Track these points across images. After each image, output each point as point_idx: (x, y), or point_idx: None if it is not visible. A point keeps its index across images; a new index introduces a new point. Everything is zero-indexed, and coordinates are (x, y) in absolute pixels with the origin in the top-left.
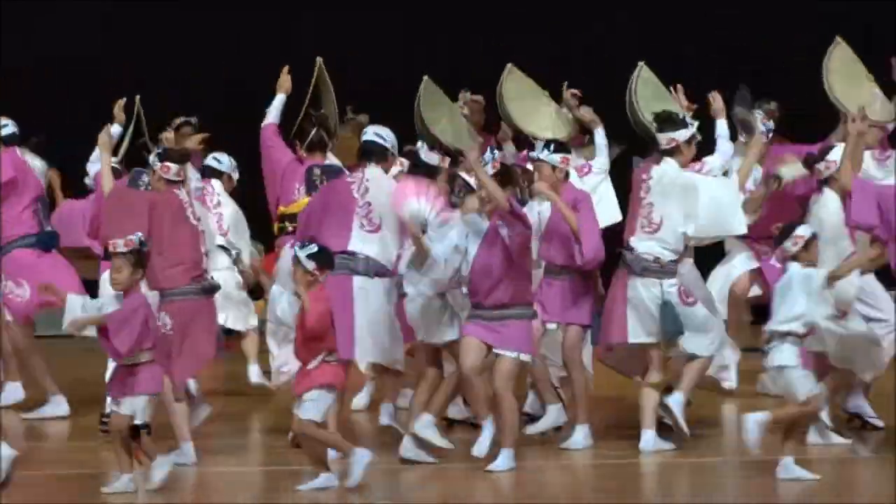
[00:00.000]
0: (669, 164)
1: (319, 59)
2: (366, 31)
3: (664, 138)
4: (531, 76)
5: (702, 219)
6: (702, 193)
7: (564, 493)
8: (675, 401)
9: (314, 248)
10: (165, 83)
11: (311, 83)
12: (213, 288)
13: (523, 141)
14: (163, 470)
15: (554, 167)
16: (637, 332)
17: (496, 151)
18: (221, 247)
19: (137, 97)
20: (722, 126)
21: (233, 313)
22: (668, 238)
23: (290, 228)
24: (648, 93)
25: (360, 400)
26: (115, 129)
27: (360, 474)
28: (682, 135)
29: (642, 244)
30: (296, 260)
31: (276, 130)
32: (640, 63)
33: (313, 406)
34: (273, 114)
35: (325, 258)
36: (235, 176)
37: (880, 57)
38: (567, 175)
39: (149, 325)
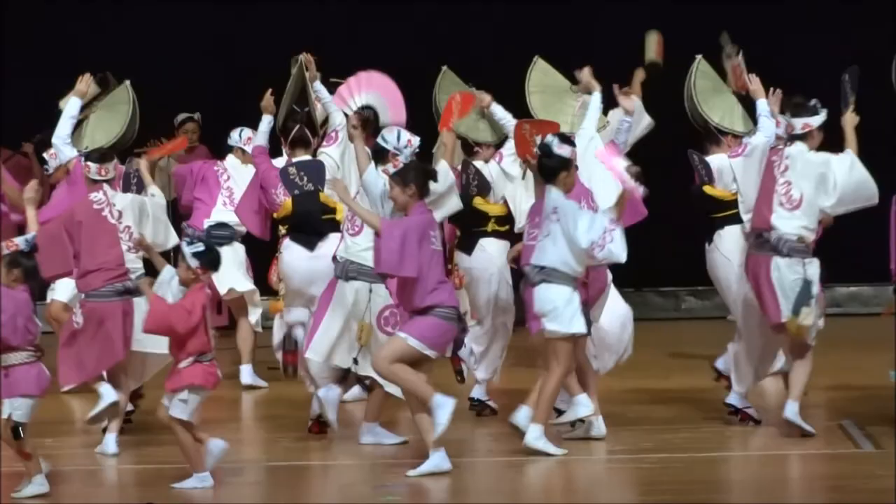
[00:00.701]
0: (800, 146)
1: (301, 57)
2: (369, 25)
3: (799, 123)
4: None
5: (839, 192)
6: (836, 168)
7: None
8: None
9: (200, 248)
10: (168, 80)
11: (294, 80)
12: (129, 290)
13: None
14: (38, 488)
15: None
16: (788, 311)
17: (409, 149)
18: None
19: (127, 81)
20: (763, 105)
21: (232, 278)
22: (808, 214)
23: (283, 231)
24: (707, 86)
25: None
26: (74, 101)
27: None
28: (815, 120)
29: (784, 222)
30: (182, 256)
31: (262, 151)
32: (698, 56)
33: (183, 406)
34: (260, 138)
35: (208, 259)
36: (249, 148)
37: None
38: (576, 168)
39: (18, 325)
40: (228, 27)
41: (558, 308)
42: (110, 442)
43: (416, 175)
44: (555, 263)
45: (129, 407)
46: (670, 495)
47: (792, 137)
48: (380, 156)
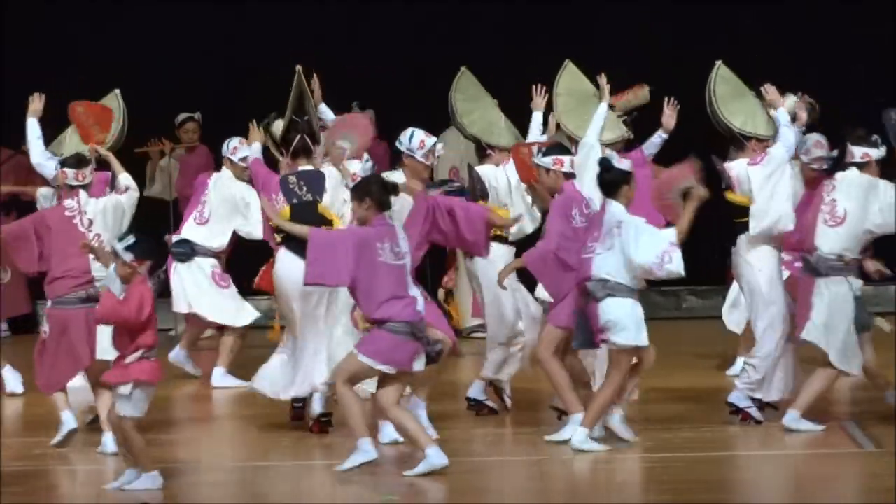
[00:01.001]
0: (854, 171)
1: (299, 68)
2: (369, 25)
3: (859, 151)
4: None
5: (885, 214)
6: (884, 190)
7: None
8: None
9: (131, 240)
10: (168, 80)
11: (292, 91)
12: (93, 298)
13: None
14: None
15: (547, 170)
16: (813, 331)
17: (369, 163)
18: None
19: (117, 90)
20: (782, 115)
21: (206, 304)
22: (851, 232)
23: (279, 239)
24: (727, 91)
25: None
26: (33, 122)
27: (140, 489)
28: (875, 153)
29: (826, 240)
30: (114, 253)
31: (258, 163)
32: (718, 62)
33: (132, 403)
34: (254, 154)
35: (141, 249)
36: (236, 157)
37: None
38: (571, 175)
39: None
40: (228, 27)
41: (623, 321)
42: (109, 441)
43: (373, 189)
44: (618, 276)
45: None
46: (671, 495)
47: (848, 164)
48: (397, 157)
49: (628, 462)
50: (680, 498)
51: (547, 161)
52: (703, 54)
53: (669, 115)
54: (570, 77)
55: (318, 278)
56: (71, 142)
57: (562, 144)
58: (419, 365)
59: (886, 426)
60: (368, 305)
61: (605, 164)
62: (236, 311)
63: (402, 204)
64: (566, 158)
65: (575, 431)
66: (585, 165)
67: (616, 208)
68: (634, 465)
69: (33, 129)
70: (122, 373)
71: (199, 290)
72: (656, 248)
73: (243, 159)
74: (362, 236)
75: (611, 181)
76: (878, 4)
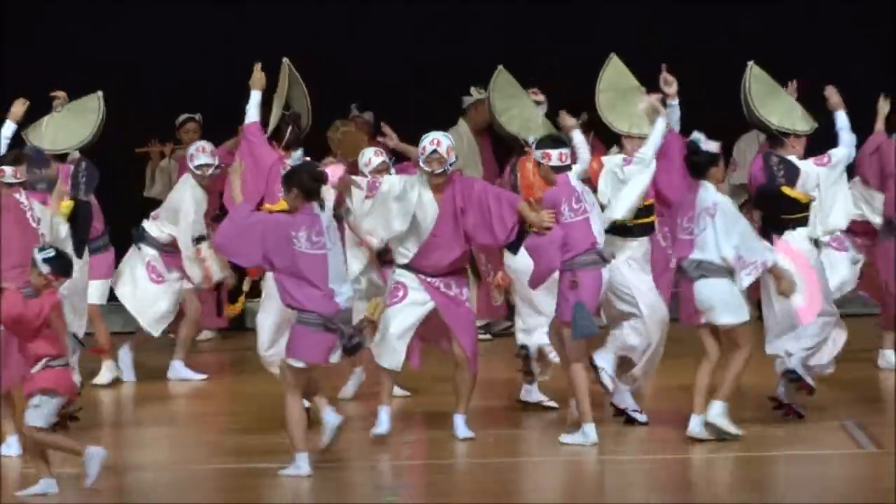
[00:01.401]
0: None
1: (285, 60)
2: (369, 25)
3: None
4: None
5: None
6: None
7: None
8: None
9: (51, 253)
10: (168, 80)
11: (281, 84)
12: None
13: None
14: None
15: (538, 163)
16: None
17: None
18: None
19: (100, 92)
20: (842, 118)
21: (124, 291)
22: None
23: None
24: (762, 90)
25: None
26: (9, 124)
27: (96, 472)
28: None
29: None
30: (32, 262)
31: (259, 129)
32: (750, 63)
33: (38, 412)
34: (253, 111)
35: (59, 264)
36: (192, 165)
37: None
38: (561, 168)
39: None
40: (228, 27)
41: (725, 301)
42: (14, 443)
43: (299, 179)
44: (712, 257)
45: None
46: (671, 495)
47: None
48: (398, 157)
49: (634, 463)
50: (679, 498)
51: (537, 154)
52: (703, 54)
53: (666, 84)
54: (613, 72)
55: (225, 250)
56: (48, 129)
57: (552, 138)
58: (335, 358)
59: (886, 426)
60: (282, 293)
61: (693, 147)
62: (147, 309)
63: (425, 210)
64: (554, 152)
65: (713, 406)
66: (631, 174)
67: (708, 191)
68: (637, 466)
69: (7, 130)
70: (29, 383)
71: (131, 275)
72: (742, 250)
73: (199, 167)
74: (274, 223)
75: (698, 163)
76: (878, 4)
